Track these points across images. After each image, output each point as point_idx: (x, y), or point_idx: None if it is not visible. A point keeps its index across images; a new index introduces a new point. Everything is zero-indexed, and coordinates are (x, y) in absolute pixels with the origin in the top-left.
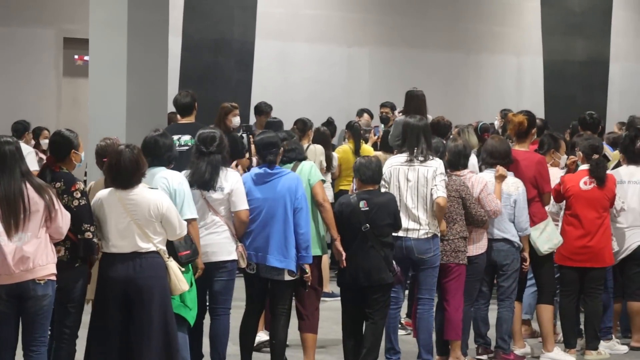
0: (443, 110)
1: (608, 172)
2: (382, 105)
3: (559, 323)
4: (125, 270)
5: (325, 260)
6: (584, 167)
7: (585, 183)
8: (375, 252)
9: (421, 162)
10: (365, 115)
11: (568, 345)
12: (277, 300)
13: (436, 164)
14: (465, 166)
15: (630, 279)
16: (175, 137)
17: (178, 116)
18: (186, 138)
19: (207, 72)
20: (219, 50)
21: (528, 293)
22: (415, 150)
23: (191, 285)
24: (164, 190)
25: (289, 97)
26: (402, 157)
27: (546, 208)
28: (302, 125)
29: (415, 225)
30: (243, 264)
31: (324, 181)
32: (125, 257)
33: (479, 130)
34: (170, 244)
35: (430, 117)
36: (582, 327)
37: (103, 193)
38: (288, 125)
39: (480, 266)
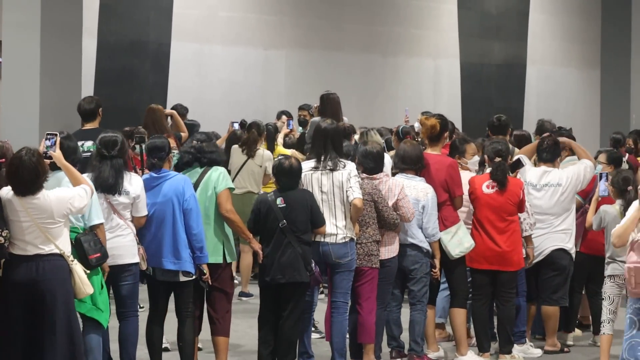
0: (360, 112)
1: (516, 176)
2: (300, 108)
3: (473, 326)
4: (28, 273)
5: (246, 260)
6: (489, 170)
7: (487, 187)
8: (292, 249)
9: (330, 168)
10: (284, 117)
11: (481, 349)
12: (180, 303)
13: (350, 167)
14: (380, 170)
15: (545, 283)
16: (79, 143)
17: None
18: (89, 144)
19: (123, 74)
20: (135, 52)
21: (442, 297)
22: (322, 158)
23: (102, 287)
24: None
25: (205, 98)
26: (311, 162)
27: (523, 221)
28: (257, 128)
29: (332, 229)
30: (144, 266)
31: (232, 189)
32: (28, 259)
33: (400, 133)
34: (80, 247)
35: (346, 119)
36: (495, 330)
37: (6, 193)
38: (204, 126)
39: (392, 269)
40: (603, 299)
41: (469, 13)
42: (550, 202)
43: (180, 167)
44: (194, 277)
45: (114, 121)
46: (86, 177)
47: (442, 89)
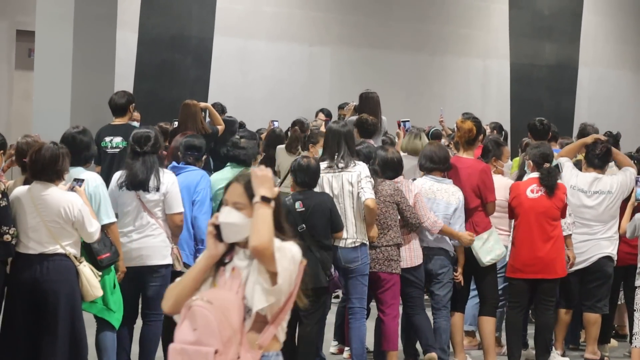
0: (406, 112)
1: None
2: (340, 107)
3: (503, 334)
4: (32, 273)
5: None
6: (533, 175)
7: (532, 191)
8: (311, 253)
9: (342, 168)
10: (321, 115)
11: (512, 357)
12: None
13: (360, 168)
14: (396, 177)
15: (590, 292)
16: (108, 139)
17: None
18: (117, 140)
19: (164, 69)
20: (176, 46)
21: (472, 304)
22: (335, 157)
23: (114, 287)
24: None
25: (247, 95)
26: (324, 163)
27: (562, 222)
28: (301, 126)
29: (342, 233)
30: (179, 267)
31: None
32: (33, 258)
33: (431, 136)
34: (89, 248)
35: (384, 119)
36: (527, 339)
37: (19, 190)
38: (247, 125)
39: (421, 275)
40: (635, 310)
41: (521, 13)
42: (599, 209)
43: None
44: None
45: (154, 116)
46: (118, 174)
47: (491, 90)
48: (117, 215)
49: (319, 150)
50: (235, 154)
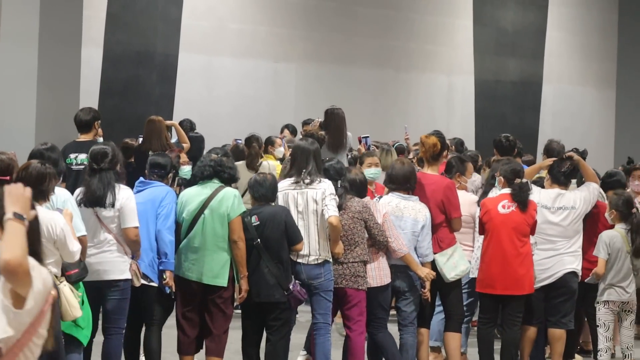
0: (371, 128)
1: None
2: (305, 123)
3: (470, 349)
4: None
5: None
6: (505, 190)
7: (503, 207)
8: (267, 268)
9: (307, 184)
10: (286, 131)
11: None
12: (142, 308)
13: (325, 185)
14: (364, 196)
15: (555, 307)
16: (73, 156)
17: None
18: (82, 157)
19: (129, 85)
20: (142, 62)
21: (437, 320)
22: (303, 173)
23: (82, 303)
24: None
25: (213, 111)
26: (290, 180)
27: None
28: (257, 142)
29: (305, 250)
30: (137, 283)
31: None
32: None
33: (395, 150)
34: None
35: (349, 135)
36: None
37: None
38: (209, 140)
39: (389, 295)
40: (598, 325)
41: (485, 29)
42: (564, 224)
43: (191, 181)
44: (152, 282)
45: (119, 132)
46: (77, 192)
47: (455, 106)
48: None
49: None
50: (233, 174)
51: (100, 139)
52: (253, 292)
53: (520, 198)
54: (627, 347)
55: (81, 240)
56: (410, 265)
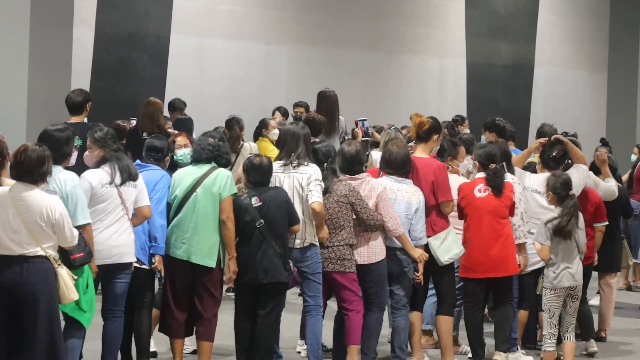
0: (363, 111)
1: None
2: (296, 105)
3: (461, 333)
4: (12, 275)
5: None
6: (480, 174)
7: (479, 190)
8: (271, 248)
9: (295, 167)
10: (277, 114)
11: (475, 356)
12: (134, 291)
13: (311, 170)
14: (359, 171)
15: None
16: None
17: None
18: None
19: (121, 66)
20: (133, 44)
21: (429, 303)
22: (292, 155)
23: (87, 287)
24: (53, 191)
25: (204, 93)
26: (279, 163)
27: (516, 229)
28: (238, 124)
29: (298, 226)
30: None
31: (235, 195)
32: (13, 260)
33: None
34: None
35: (342, 118)
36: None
37: None
38: (201, 122)
39: (381, 272)
40: (543, 311)
41: (477, 12)
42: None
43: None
44: (144, 265)
45: (111, 114)
46: (99, 171)
47: (447, 89)
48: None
49: None
50: (229, 159)
51: (85, 120)
52: (259, 274)
53: (495, 183)
54: (567, 330)
55: (86, 229)
56: (404, 245)
